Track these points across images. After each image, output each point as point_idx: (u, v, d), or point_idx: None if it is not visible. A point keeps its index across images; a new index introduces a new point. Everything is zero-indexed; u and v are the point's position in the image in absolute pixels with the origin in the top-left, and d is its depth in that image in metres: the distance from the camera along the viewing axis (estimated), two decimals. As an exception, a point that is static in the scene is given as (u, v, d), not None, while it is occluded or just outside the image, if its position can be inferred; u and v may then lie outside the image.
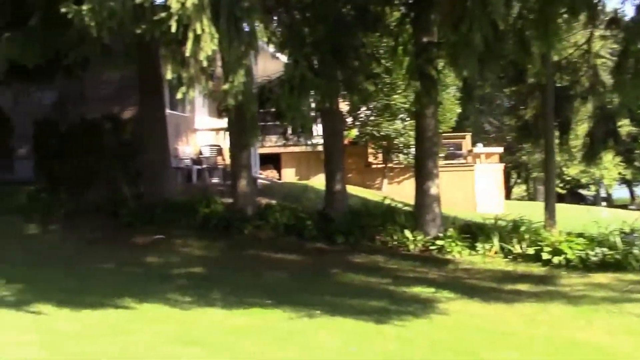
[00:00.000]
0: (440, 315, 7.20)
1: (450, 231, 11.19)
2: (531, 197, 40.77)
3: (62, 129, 13.75)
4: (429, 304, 7.72)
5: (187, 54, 6.34)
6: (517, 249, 10.58)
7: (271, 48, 17.51)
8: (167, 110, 14.20)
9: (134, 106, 15.36)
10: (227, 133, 12.43)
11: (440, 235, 11.17)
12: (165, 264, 9.79)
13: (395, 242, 11.32)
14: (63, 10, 6.32)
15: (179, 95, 6.79)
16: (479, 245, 10.84)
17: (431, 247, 11.06)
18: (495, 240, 10.80)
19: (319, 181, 19.01)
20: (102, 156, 13.17)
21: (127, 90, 15.61)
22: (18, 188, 13.04)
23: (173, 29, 6.18)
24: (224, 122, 14.68)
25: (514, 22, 9.06)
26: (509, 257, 10.64)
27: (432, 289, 8.53)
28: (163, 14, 6.29)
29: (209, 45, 6.28)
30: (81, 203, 12.72)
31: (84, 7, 6.24)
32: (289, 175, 21.75)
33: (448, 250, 10.87)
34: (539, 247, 10.39)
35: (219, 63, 9.48)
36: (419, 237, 11.18)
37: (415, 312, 7.19)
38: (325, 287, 8.77)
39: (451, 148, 23.18)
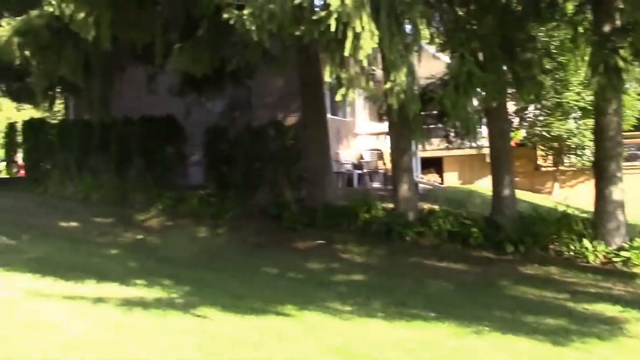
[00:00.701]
0: (631, 338, 6.34)
1: (638, 241, 9.96)
2: None
3: (230, 136, 14.30)
4: (615, 325, 6.83)
5: (346, 53, 6.11)
6: None
7: (432, 48, 17.02)
8: (329, 115, 14.25)
9: (296, 112, 15.66)
10: (388, 136, 12.15)
11: (626, 245, 10.01)
12: (325, 269, 9.69)
13: (572, 253, 10.34)
14: (225, 16, 6.39)
15: (337, 97, 6.58)
16: (673, 259, 9.56)
17: (614, 259, 9.94)
18: (695, 254, 9.46)
19: (483, 185, 18.14)
20: (266, 161, 13.52)
21: (290, 96, 15.95)
22: (191, 193, 13.73)
23: (332, 28, 5.99)
24: (384, 126, 14.42)
25: None
26: None
27: (619, 307, 7.59)
28: (322, 13, 6.12)
29: (369, 43, 5.99)
30: (247, 207, 13.12)
31: (245, 12, 6.26)
32: (451, 179, 21.04)
33: (635, 262, 9.70)
34: None
35: (378, 65, 9.24)
36: (599, 248, 10.11)
37: (600, 333, 6.38)
38: (494, 301, 8.12)
39: (632, 149, 21.05)
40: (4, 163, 21.91)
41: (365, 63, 6.22)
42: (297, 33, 6.35)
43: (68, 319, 5.99)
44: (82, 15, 7.45)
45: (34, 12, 8.71)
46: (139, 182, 14.75)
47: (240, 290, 7.81)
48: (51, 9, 7.39)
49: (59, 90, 13.48)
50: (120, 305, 6.59)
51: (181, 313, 6.38)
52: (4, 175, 21.24)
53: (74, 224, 12.59)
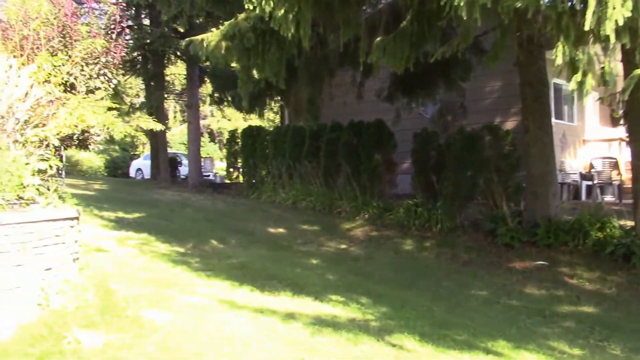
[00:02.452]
0: None
1: None
2: None
3: (441, 141, 13.31)
4: None
5: (587, 26, 4.81)
6: None
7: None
8: (553, 120, 12.58)
9: (515, 116, 14.25)
10: (624, 143, 10.23)
11: None
12: (547, 297, 8.24)
13: None
14: (430, -9, 5.46)
15: (571, 86, 5.26)
16: None
17: None
18: None
19: None
20: (480, 169, 12.25)
21: (508, 99, 14.62)
22: (398, 202, 13.00)
23: (566, -5, 4.75)
24: (619, 132, 12.42)
25: None
26: None
27: None
28: (556, -22, 4.87)
29: (619, 12, 4.63)
30: (457, 219, 12.00)
31: (454, -15, 5.26)
32: None
33: None
34: None
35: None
36: None
37: None
38: None
39: None
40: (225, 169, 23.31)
41: (612, 39, 4.82)
42: (518, 5, 5.16)
43: (253, 336, 5.54)
44: (281, 12, 7.10)
45: (241, 16, 8.65)
46: (346, 189, 14.41)
47: (443, 316, 6.82)
48: (251, 7, 7.14)
49: (269, 96, 13.64)
50: (311, 324, 6.02)
51: (374, 340, 5.61)
52: (226, 180, 22.55)
53: (281, 230, 12.57)
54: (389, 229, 12.32)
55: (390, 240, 11.68)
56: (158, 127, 7.75)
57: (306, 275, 8.74)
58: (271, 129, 19.60)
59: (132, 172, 30.26)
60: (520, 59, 10.72)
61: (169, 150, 30.56)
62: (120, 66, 8.19)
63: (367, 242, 11.58)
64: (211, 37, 8.86)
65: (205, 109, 40.34)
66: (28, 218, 5.83)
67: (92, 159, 33.39)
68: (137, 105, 21.09)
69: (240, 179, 19.77)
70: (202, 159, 23.47)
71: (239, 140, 19.43)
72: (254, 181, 17.59)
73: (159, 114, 20.66)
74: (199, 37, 9.11)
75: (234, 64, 10.71)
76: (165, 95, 23.69)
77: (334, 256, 10.52)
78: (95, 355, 4.93)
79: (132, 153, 37.06)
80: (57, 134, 6.22)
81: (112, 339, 5.28)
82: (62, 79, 6.95)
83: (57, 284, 6.09)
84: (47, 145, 6.55)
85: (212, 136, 44.60)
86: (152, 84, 20.99)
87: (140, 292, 6.76)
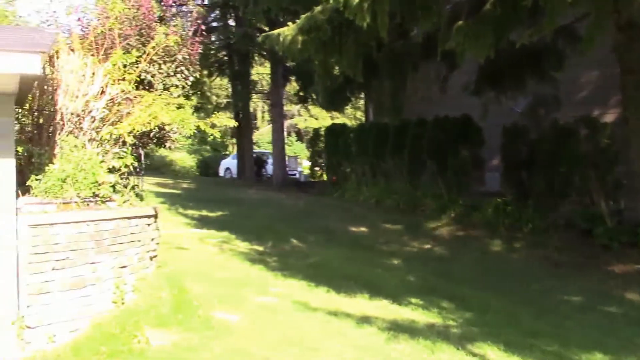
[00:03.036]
0: None
1: None
2: None
3: (533, 136, 12.54)
4: None
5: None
6: None
7: None
8: (658, 110, 11.53)
9: (615, 108, 13.24)
10: None
11: None
12: (652, 305, 7.49)
13: None
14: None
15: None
16: None
17: None
18: None
19: None
20: (574, 165, 11.41)
21: (607, 90, 13.64)
22: (486, 200, 12.38)
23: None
24: None
25: None
26: None
27: None
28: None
29: None
30: (550, 218, 11.24)
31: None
32: None
33: None
34: None
35: None
36: None
37: None
38: None
39: None
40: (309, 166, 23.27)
41: None
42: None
43: (323, 341, 5.29)
44: (356, 0, 6.80)
45: (317, 8, 8.43)
46: (431, 187, 13.92)
47: (532, 324, 6.29)
48: (326, -4, 6.91)
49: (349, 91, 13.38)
50: (386, 329, 5.71)
51: (454, 348, 5.22)
52: (310, 179, 22.51)
53: (362, 229, 12.29)
54: (476, 228, 11.75)
55: (477, 240, 11.12)
56: (231, 123, 7.68)
57: (386, 276, 8.40)
58: (354, 127, 19.35)
59: (221, 172, 30.88)
60: (619, 44, 9.86)
61: (258, 149, 31.03)
62: (197, 64, 8.16)
63: (452, 242, 11.08)
64: (287, 31, 8.69)
65: (293, 108, 40.62)
66: (103, 215, 5.84)
67: (184, 159, 34.48)
68: (223, 105, 21.44)
69: (324, 177, 19.64)
70: (286, 158, 23.55)
71: (322, 139, 19.30)
72: (337, 179, 17.39)
73: (245, 113, 20.90)
74: (276, 31, 8.97)
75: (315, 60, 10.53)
76: (252, 95, 23.93)
77: (417, 256, 10.11)
78: (161, 356, 4.83)
79: (222, 153, 37.91)
80: (131, 131, 6.20)
81: (181, 339, 5.19)
82: (139, 76, 6.98)
83: (132, 281, 6.09)
84: (124, 143, 6.56)
85: (300, 135, 44.89)
86: (237, 83, 21.25)
87: (214, 292, 6.69)
